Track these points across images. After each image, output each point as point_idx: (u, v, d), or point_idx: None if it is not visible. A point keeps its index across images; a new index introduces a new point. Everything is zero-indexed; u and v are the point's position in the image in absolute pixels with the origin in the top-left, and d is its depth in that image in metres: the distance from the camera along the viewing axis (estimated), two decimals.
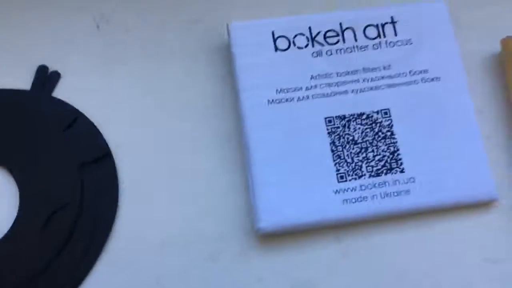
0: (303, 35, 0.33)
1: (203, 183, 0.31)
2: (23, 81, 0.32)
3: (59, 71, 0.32)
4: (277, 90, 0.32)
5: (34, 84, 0.32)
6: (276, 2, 0.35)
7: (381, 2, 0.35)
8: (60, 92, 0.32)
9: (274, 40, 0.33)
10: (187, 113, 0.32)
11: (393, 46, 0.33)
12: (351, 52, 0.33)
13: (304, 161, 0.31)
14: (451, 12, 0.34)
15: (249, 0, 0.35)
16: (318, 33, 0.33)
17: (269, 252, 0.30)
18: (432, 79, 0.33)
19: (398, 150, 0.31)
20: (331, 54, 0.33)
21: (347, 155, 0.31)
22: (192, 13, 0.35)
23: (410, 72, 0.33)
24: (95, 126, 0.31)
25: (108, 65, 0.33)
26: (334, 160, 0.31)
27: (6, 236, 0.29)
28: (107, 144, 0.31)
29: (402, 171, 0.31)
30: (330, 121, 0.32)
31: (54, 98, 0.31)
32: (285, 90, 0.32)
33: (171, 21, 0.34)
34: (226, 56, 0.34)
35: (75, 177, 0.30)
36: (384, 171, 0.31)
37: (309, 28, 0.33)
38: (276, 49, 0.33)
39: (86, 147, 0.30)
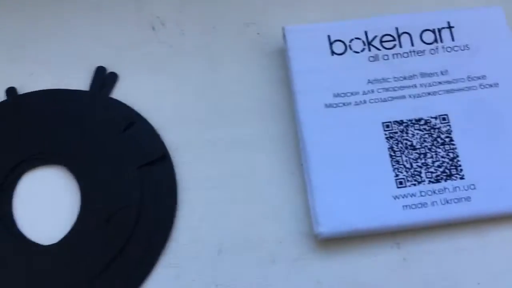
0: (359, 39, 0.33)
1: (261, 185, 0.31)
2: (81, 82, 0.32)
3: (116, 72, 0.33)
4: (334, 94, 0.32)
5: (92, 85, 0.32)
6: (329, 6, 0.35)
7: (436, 6, 0.35)
8: (118, 93, 0.32)
9: (330, 44, 0.33)
10: (243, 115, 0.32)
11: (450, 51, 0.33)
12: (408, 56, 0.33)
13: (363, 166, 0.30)
14: (508, 17, 0.34)
15: (301, 3, 0.35)
16: (375, 37, 0.33)
17: (328, 256, 0.30)
18: (491, 85, 0.32)
19: (457, 156, 0.31)
20: (388, 58, 0.33)
21: (406, 160, 0.31)
22: (245, 16, 0.35)
23: (468, 77, 0.32)
24: (152, 128, 0.31)
25: (164, 67, 0.33)
26: (392, 165, 0.30)
27: (67, 236, 0.29)
28: (165, 146, 0.31)
29: (462, 178, 0.30)
30: (388, 126, 0.31)
31: (112, 99, 0.32)
32: (342, 94, 0.32)
33: (225, 24, 0.34)
34: (280, 59, 0.34)
35: (134, 178, 0.29)
36: (444, 178, 0.30)
37: (365, 32, 0.33)
38: (333, 53, 0.33)
39: (144, 148, 0.30)
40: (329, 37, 0.33)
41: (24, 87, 0.32)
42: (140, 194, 0.29)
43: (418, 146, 0.31)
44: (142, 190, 0.29)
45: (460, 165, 0.31)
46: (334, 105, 0.32)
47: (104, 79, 0.32)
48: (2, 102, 0.31)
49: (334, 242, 0.30)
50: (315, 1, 0.35)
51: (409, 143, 0.31)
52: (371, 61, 0.32)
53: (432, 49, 0.33)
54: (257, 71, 0.33)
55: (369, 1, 0.35)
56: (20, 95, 0.31)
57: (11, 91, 0.31)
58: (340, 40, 0.33)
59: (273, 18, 0.35)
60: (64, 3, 0.34)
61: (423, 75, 0.32)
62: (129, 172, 0.30)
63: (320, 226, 0.29)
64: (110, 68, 0.33)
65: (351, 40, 0.33)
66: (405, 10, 0.35)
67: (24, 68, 0.33)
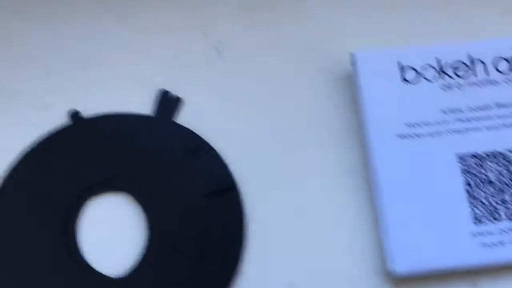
0: (431, 66, 0.32)
1: (330, 220, 0.29)
2: (144, 106, 0.32)
3: (180, 96, 0.32)
4: (406, 124, 0.30)
5: (156, 109, 0.31)
6: (396, 31, 0.34)
7: (508, 32, 0.34)
8: (182, 118, 0.31)
9: (402, 71, 0.31)
10: (311, 145, 0.31)
11: None
12: (481, 86, 0.31)
13: (437, 200, 0.29)
14: None
15: (368, 27, 0.34)
16: (447, 64, 0.32)
17: None
18: None
19: None
20: (461, 87, 0.31)
21: (483, 196, 0.29)
22: (311, 40, 0.34)
23: None
24: (219, 155, 0.30)
25: (229, 91, 0.32)
26: (469, 201, 0.29)
27: (136, 268, 0.28)
28: (232, 175, 0.30)
29: None
30: (462, 159, 0.30)
31: (177, 124, 0.31)
32: (414, 124, 0.30)
33: (290, 48, 0.33)
34: (347, 85, 0.33)
35: (200, 207, 0.28)
36: None
37: (436, 59, 0.32)
38: (404, 80, 0.31)
39: (212, 176, 0.29)
40: (399, 63, 0.32)
41: (86, 109, 0.31)
42: (206, 225, 0.28)
43: (495, 181, 0.30)
44: (209, 220, 0.28)
45: None
46: (407, 136, 0.30)
47: (168, 103, 0.31)
48: (67, 126, 0.30)
49: (407, 281, 0.29)
50: (382, 26, 0.34)
51: (485, 177, 0.30)
52: (443, 89, 0.31)
53: (508, 78, 0.31)
54: (323, 98, 0.32)
55: (438, 26, 0.34)
56: (84, 118, 0.31)
57: (75, 114, 0.31)
58: (411, 67, 0.32)
59: (339, 42, 0.33)
60: (129, 24, 0.33)
61: (498, 105, 0.31)
62: (195, 201, 0.29)
63: (396, 264, 0.28)
64: (174, 92, 0.32)
65: (422, 67, 0.32)
66: (475, 37, 0.34)
67: (86, 90, 0.32)
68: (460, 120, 0.31)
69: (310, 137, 0.31)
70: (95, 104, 0.31)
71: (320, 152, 0.31)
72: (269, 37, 0.33)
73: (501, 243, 0.28)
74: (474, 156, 0.30)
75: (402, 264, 0.28)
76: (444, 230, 0.29)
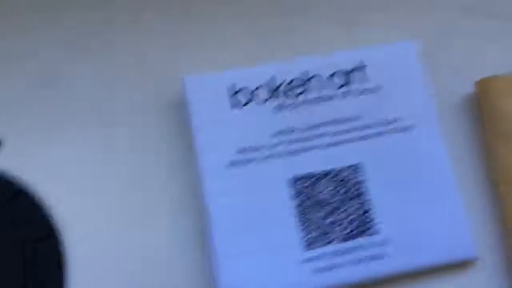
0: (264, 87, 0.31)
1: (158, 260, 0.28)
2: None
3: (0, 136, 0.30)
4: (237, 150, 0.29)
5: None
6: (231, 53, 0.33)
7: (348, 46, 0.33)
8: (2, 160, 0.29)
9: (233, 95, 0.30)
10: (141, 179, 0.30)
11: (363, 93, 0.31)
12: (316, 103, 0.31)
13: (268, 229, 0.28)
14: (424, 54, 0.32)
15: (203, 51, 0.33)
16: (281, 84, 0.31)
17: None
18: (404, 129, 0.30)
19: (371, 209, 0.29)
20: (295, 107, 0.30)
21: (315, 218, 0.29)
22: (141, 67, 0.32)
23: (380, 122, 0.30)
24: (40, 200, 0.28)
25: (54, 130, 0.30)
26: (300, 226, 0.28)
27: None
28: (53, 220, 0.28)
29: (376, 233, 0.28)
30: (295, 182, 0.29)
31: None
32: (246, 150, 0.29)
33: (120, 78, 0.32)
34: (181, 112, 0.31)
35: (19, 255, 0.27)
36: (357, 234, 0.28)
37: (271, 78, 0.31)
38: (235, 104, 0.30)
39: (31, 223, 0.28)
40: (232, 86, 0.31)
41: None
42: (24, 274, 0.27)
43: (329, 202, 0.29)
44: (28, 268, 0.27)
45: (373, 219, 0.29)
46: (238, 163, 0.29)
47: None
48: None
49: None
50: (218, 49, 0.33)
51: (318, 198, 0.29)
52: (276, 111, 0.30)
53: (344, 92, 0.31)
54: (155, 127, 0.31)
55: (276, 46, 0.33)
56: None
57: None
58: (243, 90, 0.31)
59: (171, 67, 0.32)
60: None
61: (333, 122, 0.30)
62: (13, 248, 0.27)
63: None
64: None
65: (256, 88, 0.31)
66: (315, 53, 0.33)
67: None
68: (293, 141, 0.30)
69: (140, 173, 0.30)
70: None
71: (151, 187, 0.30)
72: (99, 67, 0.32)
73: (335, 266, 0.28)
74: (307, 177, 0.29)
75: None
76: (275, 260, 0.28)
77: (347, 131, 0.30)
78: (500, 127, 0.30)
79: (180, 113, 0.31)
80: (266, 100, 0.30)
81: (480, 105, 0.31)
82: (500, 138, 0.30)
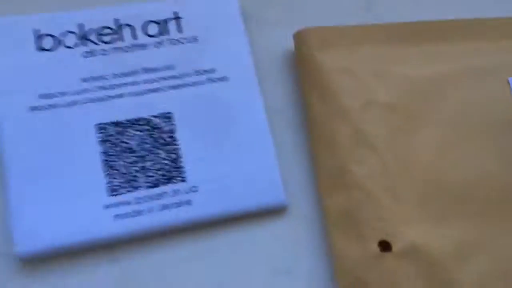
0: (73, 33, 0.29)
1: None
2: None
3: None
4: (40, 95, 0.28)
5: None
6: None
7: None
8: None
9: (38, 39, 0.29)
10: None
11: (177, 44, 0.30)
12: (129, 51, 0.30)
13: (71, 175, 0.27)
14: (245, 9, 0.32)
15: None
16: (91, 31, 0.30)
17: (33, 279, 0.26)
18: (220, 79, 0.30)
19: (180, 157, 0.28)
20: (106, 54, 0.29)
21: (122, 165, 0.28)
22: None
23: (195, 72, 0.30)
24: None
25: None
26: (105, 172, 0.27)
27: None
28: None
29: (183, 180, 0.28)
30: (102, 128, 0.28)
31: None
32: (50, 96, 0.28)
33: None
34: None
35: None
36: (164, 182, 0.28)
37: (80, 25, 0.30)
38: (40, 48, 0.29)
39: None
40: (37, 31, 0.29)
41: None
42: None
43: (137, 149, 0.28)
44: None
45: (182, 167, 0.28)
46: (40, 108, 0.28)
47: None
48: None
49: (40, 262, 0.26)
50: None
51: (126, 145, 0.28)
52: (86, 57, 0.29)
53: (158, 42, 0.30)
54: None
55: None
56: None
57: None
58: (50, 35, 0.29)
59: None
60: None
61: (146, 70, 0.30)
62: None
63: (17, 246, 0.25)
64: None
65: (63, 34, 0.29)
66: (130, 1, 0.32)
67: None
68: (102, 88, 0.29)
69: None
70: None
71: None
72: None
73: (138, 212, 0.27)
74: (116, 124, 0.28)
75: (24, 245, 0.26)
76: (75, 206, 0.27)
77: (159, 80, 0.30)
78: (313, 79, 0.30)
79: None
80: (75, 46, 0.29)
81: (296, 58, 0.32)
82: (312, 89, 0.30)
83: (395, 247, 0.27)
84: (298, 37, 0.31)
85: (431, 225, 0.28)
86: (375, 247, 0.27)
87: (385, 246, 0.27)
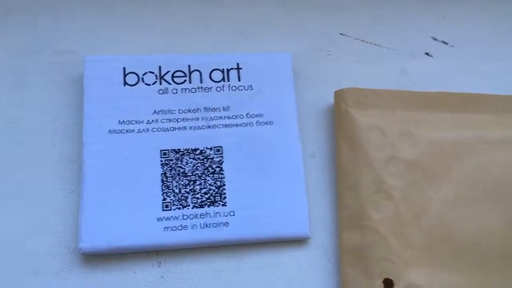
0: (153, 73, 0.36)
1: (36, 201, 0.33)
2: None
3: None
4: (119, 121, 0.35)
5: None
6: (130, 40, 0.38)
7: (229, 49, 0.38)
8: None
9: (124, 76, 0.36)
10: (37, 137, 0.35)
11: (235, 90, 0.36)
12: (195, 92, 0.36)
13: (134, 189, 0.33)
14: (296, 65, 0.37)
15: (105, 37, 0.38)
16: (167, 72, 0.36)
17: (90, 271, 0.32)
18: (266, 123, 0.36)
19: (224, 185, 0.34)
20: (176, 92, 0.36)
21: (176, 186, 0.34)
22: (60, 43, 0.37)
23: (247, 114, 0.36)
24: None
25: None
26: (162, 190, 0.33)
27: None
28: None
29: (224, 205, 0.33)
30: (165, 154, 0.34)
31: None
32: (127, 122, 0.35)
33: (37, 52, 0.37)
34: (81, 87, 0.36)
35: None
36: (208, 203, 0.33)
37: (159, 67, 0.36)
38: (125, 83, 0.35)
39: None
40: (124, 69, 0.36)
41: None
42: None
43: (190, 174, 0.34)
44: None
45: (224, 193, 0.34)
46: (118, 131, 0.34)
47: None
48: None
49: (99, 258, 0.32)
50: (117, 35, 0.38)
51: (181, 170, 0.34)
52: (160, 93, 0.36)
53: (219, 86, 0.36)
54: (59, 97, 0.36)
55: (165, 39, 0.38)
56: None
57: None
58: (134, 73, 0.36)
59: (80, 48, 0.37)
60: None
61: (206, 109, 0.36)
62: None
63: (82, 242, 0.32)
64: None
65: (144, 73, 0.36)
66: (200, 51, 0.38)
67: None
68: (169, 120, 0.35)
69: (36, 131, 0.35)
70: None
71: (43, 143, 0.34)
72: (20, 39, 0.37)
73: (184, 227, 0.33)
74: (176, 151, 0.34)
75: (88, 241, 0.32)
76: (134, 215, 0.33)
77: (216, 118, 0.35)
78: (346, 131, 0.35)
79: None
80: (153, 83, 0.36)
81: (334, 112, 0.37)
82: (345, 140, 0.35)
83: (397, 286, 0.31)
84: (338, 94, 0.36)
85: (433, 270, 0.32)
86: (379, 283, 0.31)
87: (388, 283, 0.31)
